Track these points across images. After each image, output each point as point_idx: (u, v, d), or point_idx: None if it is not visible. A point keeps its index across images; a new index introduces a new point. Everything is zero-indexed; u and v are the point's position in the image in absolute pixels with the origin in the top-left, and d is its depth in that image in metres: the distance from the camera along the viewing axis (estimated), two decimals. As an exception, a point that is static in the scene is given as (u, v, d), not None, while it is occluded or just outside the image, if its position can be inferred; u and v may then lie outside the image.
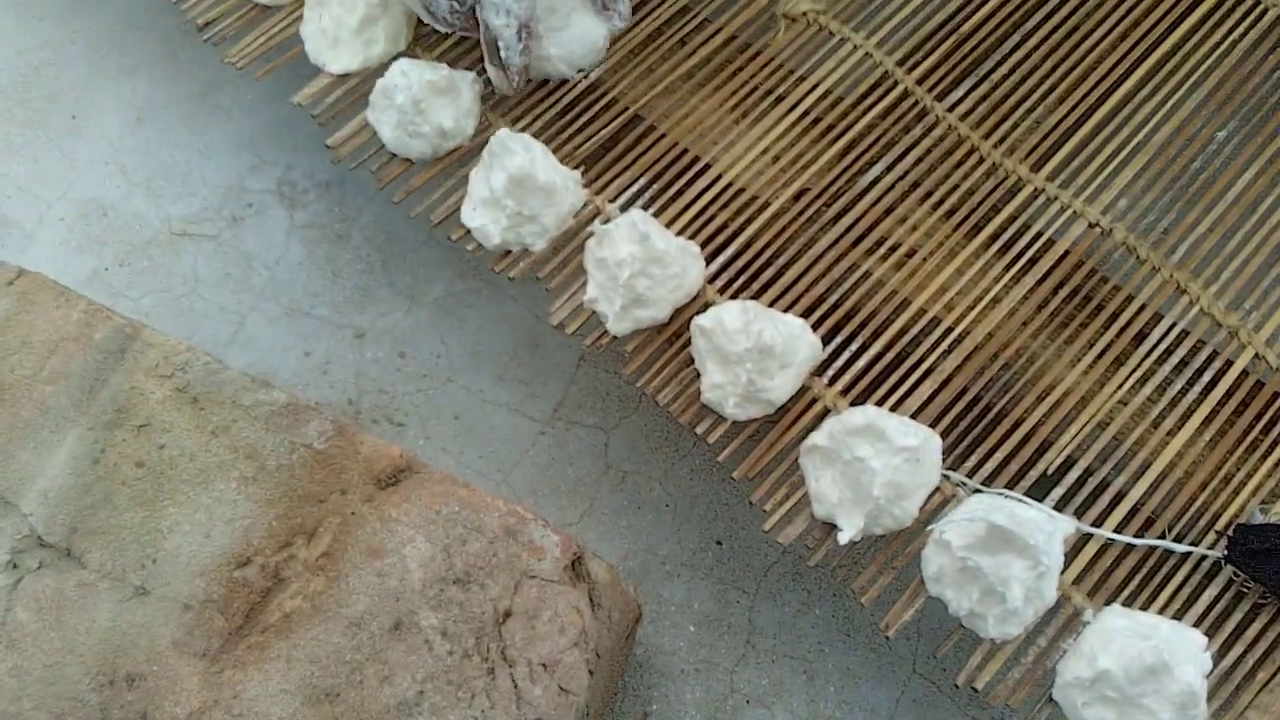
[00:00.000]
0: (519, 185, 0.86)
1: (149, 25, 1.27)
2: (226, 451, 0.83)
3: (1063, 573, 0.77)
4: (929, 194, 0.93)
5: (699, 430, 0.85)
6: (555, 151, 0.93)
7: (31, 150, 1.20)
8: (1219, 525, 0.80)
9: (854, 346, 0.87)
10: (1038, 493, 0.81)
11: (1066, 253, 0.90)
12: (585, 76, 0.97)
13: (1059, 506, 0.80)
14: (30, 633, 0.77)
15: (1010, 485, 0.81)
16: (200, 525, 0.80)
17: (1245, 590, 0.78)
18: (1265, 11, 1.00)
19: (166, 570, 0.79)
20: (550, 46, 0.93)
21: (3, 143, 1.21)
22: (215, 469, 0.83)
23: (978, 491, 0.80)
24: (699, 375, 0.85)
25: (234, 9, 1.02)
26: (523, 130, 0.94)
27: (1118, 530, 0.80)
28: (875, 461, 0.76)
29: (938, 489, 0.80)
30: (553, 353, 1.08)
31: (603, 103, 0.96)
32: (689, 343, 0.86)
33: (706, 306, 0.87)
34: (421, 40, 0.99)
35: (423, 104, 0.89)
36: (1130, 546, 0.80)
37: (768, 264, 0.90)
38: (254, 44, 1.00)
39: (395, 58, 0.97)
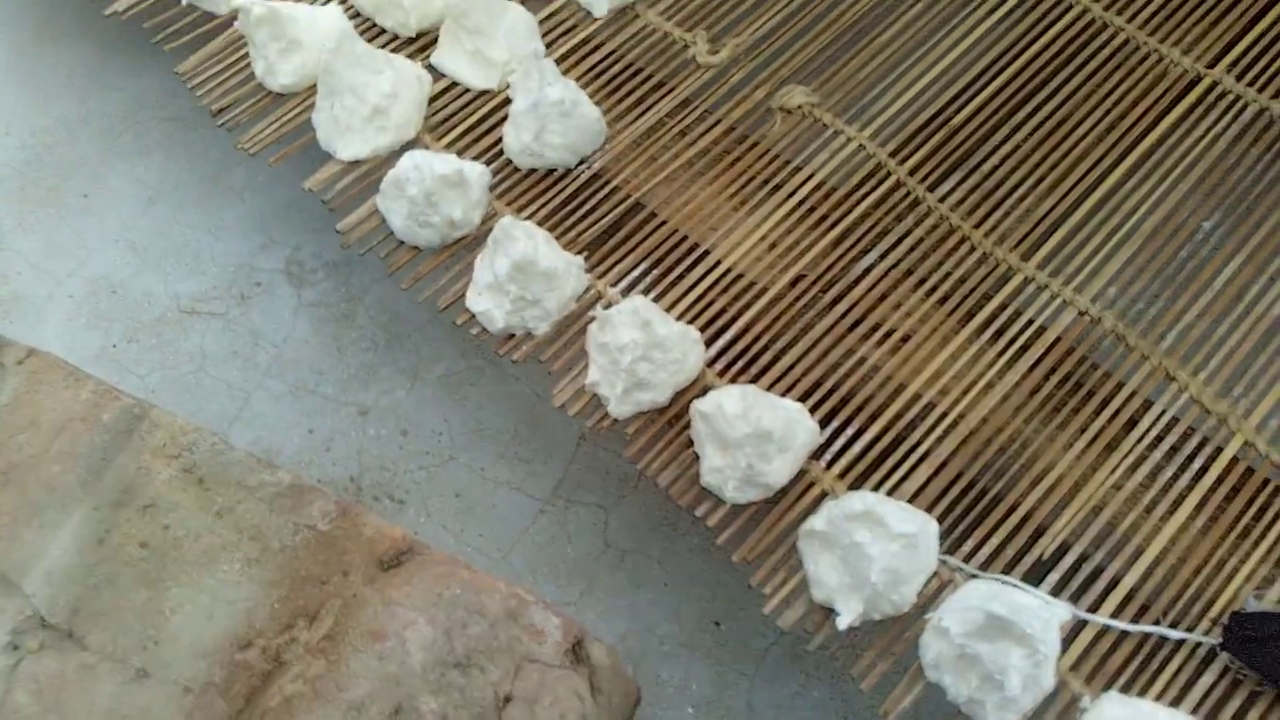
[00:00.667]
0: (522, 271, 0.88)
1: (163, 107, 1.31)
2: (231, 532, 0.84)
3: (1060, 659, 0.77)
4: (922, 281, 0.95)
5: (699, 513, 0.86)
6: (558, 238, 0.95)
7: (44, 228, 1.23)
8: (1214, 612, 0.81)
9: (850, 430, 0.88)
10: (1034, 577, 0.82)
11: (1057, 339, 0.91)
12: (588, 166, 1.00)
13: (1055, 592, 0.81)
14: (29, 716, 0.77)
15: (1007, 570, 0.82)
16: (203, 607, 0.81)
17: (1242, 678, 0.79)
18: (1245, 106, 1.03)
19: (168, 652, 0.79)
20: (554, 136, 0.96)
21: (16, 220, 1.23)
22: (219, 550, 0.83)
23: (975, 577, 0.81)
24: (698, 458, 0.87)
25: (247, 96, 1.05)
26: (527, 218, 0.97)
27: (1113, 616, 0.81)
28: (873, 548, 0.77)
29: (935, 574, 0.81)
30: (554, 431, 1.09)
31: (605, 190, 0.99)
32: (689, 425, 0.88)
33: (706, 390, 0.89)
34: (431, 130, 1.02)
35: (434, 196, 0.91)
36: (1126, 633, 0.80)
37: (765, 348, 0.92)
38: (266, 130, 1.03)
39: (404, 146, 1.00)
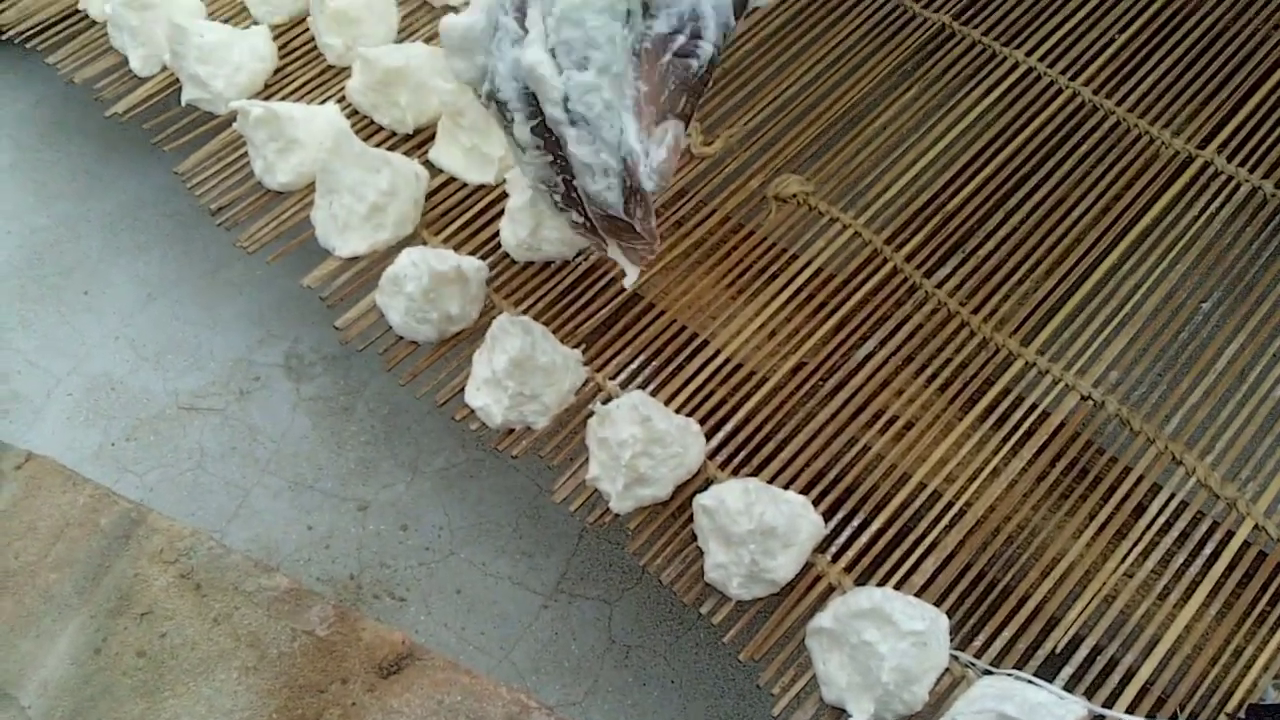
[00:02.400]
0: (520, 367, 0.88)
1: (162, 205, 1.32)
2: (228, 640, 0.83)
3: (1077, 757, 0.75)
4: (923, 368, 0.95)
5: (703, 610, 0.84)
6: (556, 331, 0.95)
7: (43, 325, 1.23)
8: (1231, 705, 0.79)
9: (855, 522, 0.87)
10: (1047, 671, 0.80)
11: (1061, 425, 0.91)
12: (585, 258, 1.00)
13: (1069, 686, 0.79)
14: (21, 838, 0.75)
15: (1019, 665, 0.80)
16: (200, 718, 0.79)
17: (1264, 772, 0.77)
18: (1238, 186, 1.04)
19: (163, 767, 0.77)
20: (551, 231, 0.97)
21: (16, 318, 1.24)
22: (216, 658, 0.82)
23: (987, 673, 0.79)
24: (702, 553, 0.85)
25: (246, 195, 1.06)
26: (524, 311, 0.97)
27: (1130, 710, 0.79)
28: (883, 646, 0.75)
29: (947, 670, 0.79)
30: (555, 524, 1.08)
31: (602, 282, 0.99)
32: (691, 519, 0.87)
33: (708, 483, 0.88)
34: (428, 225, 1.03)
35: (431, 293, 0.91)
36: (1143, 727, 0.78)
37: (767, 439, 0.91)
38: (265, 228, 1.03)
39: (402, 242, 1.01)
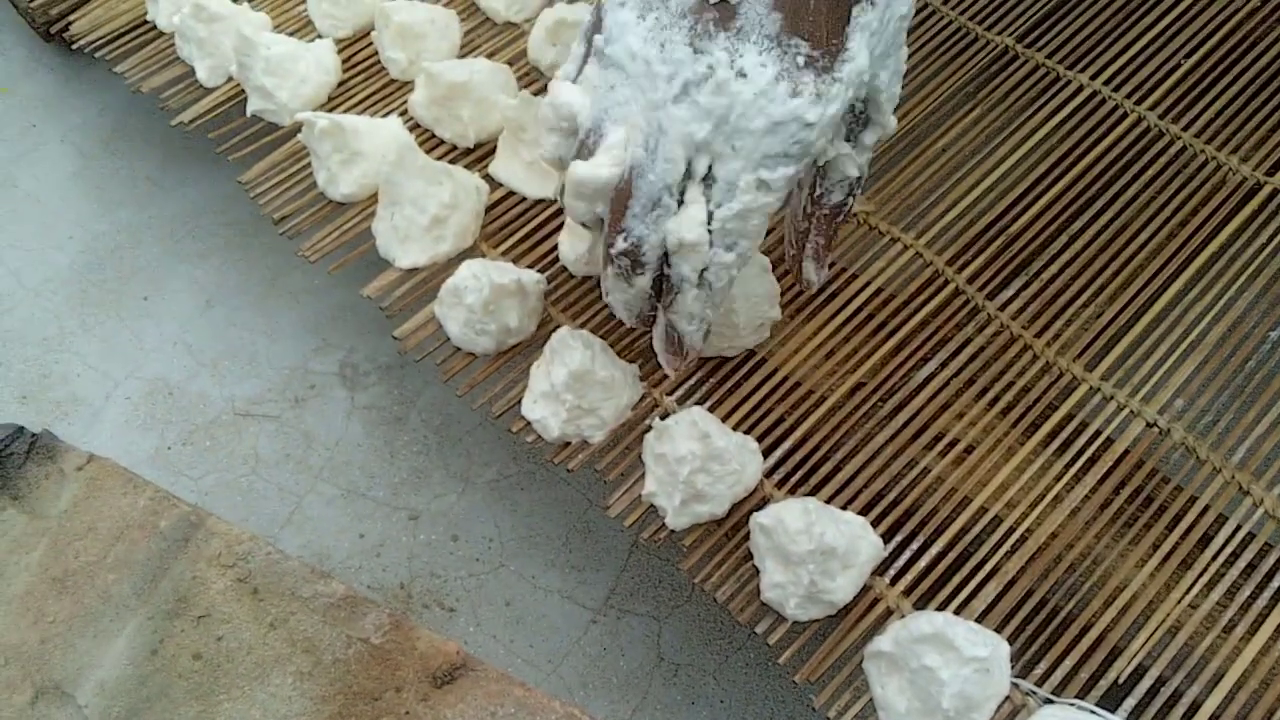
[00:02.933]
0: (579, 380, 0.88)
1: (223, 213, 1.34)
2: (284, 645, 0.83)
3: (1141, 792, 0.74)
4: (984, 390, 0.94)
5: (759, 630, 0.83)
6: (613, 345, 0.95)
7: (103, 330, 1.25)
8: (1303, 742, 0.77)
9: (915, 545, 0.86)
10: (1110, 702, 0.78)
11: (1126, 452, 0.89)
12: (644, 273, 1.00)
13: (1132, 718, 0.78)
14: (78, 836, 0.75)
15: (1081, 694, 0.79)
16: (254, 722, 0.79)
17: (1336, 814, 0.75)
18: (1309, 213, 1.02)
19: (218, 770, 0.78)
20: (612, 246, 0.97)
21: (77, 322, 1.26)
22: (272, 663, 0.82)
23: (1049, 701, 0.78)
24: (758, 572, 0.85)
25: (308, 205, 1.07)
26: (582, 325, 0.97)
27: (1196, 745, 0.77)
28: (944, 672, 0.74)
29: (1007, 698, 0.78)
30: (606, 538, 1.08)
31: (661, 298, 0.99)
32: (747, 537, 0.86)
33: (765, 501, 0.88)
34: (488, 238, 1.03)
35: (491, 305, 0.92)
36: (1210, 763, 0.77)
37: (825, 458, 0.91)
38: (326, 239, 1.05)
39: (462, 254, 1.01)
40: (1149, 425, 0.91)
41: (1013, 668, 0.79)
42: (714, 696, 0.99)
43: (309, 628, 0.84)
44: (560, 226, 1.02)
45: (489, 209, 1.05)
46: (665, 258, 0.72)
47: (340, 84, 1.16)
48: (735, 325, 0.92)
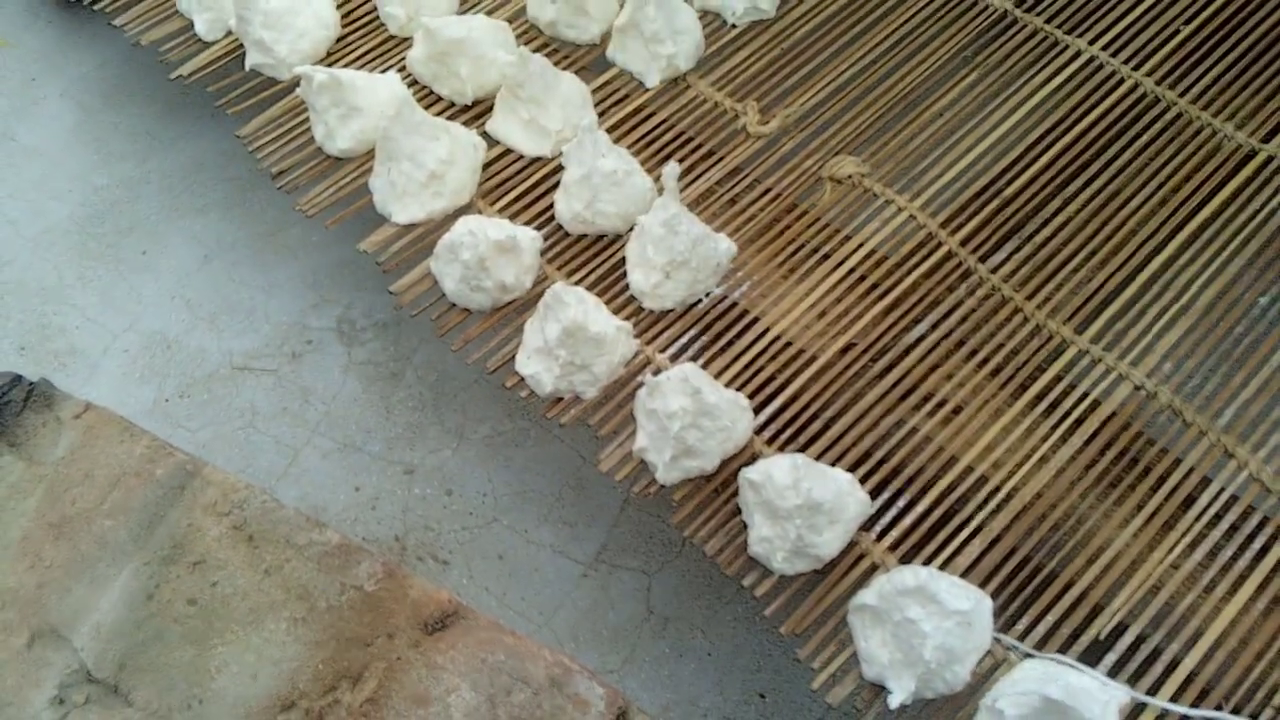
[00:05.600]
0: (572, 336, 0.89)
1: (222, 168, 1.34)
2: (278, 591, 0.84)
3: (1118, 744, 0.75)
4: (974, 352, 0.94)
5: (746, 583, 0.85)
6: (608, 303, 0.96)
7: (102, 283, 1.26)
8: (1278, 698, 0.79)
9: (902, 502, 0.87)
10: (1090, 658, 0.80)
11: (1113, 414, 0.90)
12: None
13: (1112, 673, 0.79)
14: (75, 772, 0.77)
15: (1063, 650, 0.80)
16: (248, 666, 0.81)
17: (1308, 769, 0.76)
18: (1304, 180, 1.02)
19: (212, 712, 0.79)
20: (606, 205, 0.97)
21: (75, 274, 1.26)
22: (266, 609, 0.83)
23: (1030, 656, 0.79)
24: (746, 527, 0.86)
25: (305, 160, 1.07)
26: (577, 282, 0.98)
27: (1173, 700, 0.79)
28: (927, 624, 0.75)
29: (989, 652, 0.79)
30: (598, 494, 1.09)
31: (656, 256, 0.99)
32: (736, 493, 0.87)
33: (754, 458, 0.89)
34: (484, 195, 1.03)
35: (487, 261, 0.92)
36: (1187, 717, 0.78)
37: (815, 417, 0.92)
38: (324, 193, 1.05)
39: (458, 211, 1.02)
40: (1136, 388, 0.92)
41: (995, 623, 0.80)
42: (702, 649, 1.00)
43: (303, 575, 0.85)
44: (557, 185, 1.03)
45: (486, 166, 1.05)
46: None
47: (339, 39, 1.16)
48: None
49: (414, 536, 1.07)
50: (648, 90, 1.11)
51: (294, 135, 1.09)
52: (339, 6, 1.17)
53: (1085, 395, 0.91)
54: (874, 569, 0.84)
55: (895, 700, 0.76)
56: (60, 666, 0.81)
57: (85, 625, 0.83)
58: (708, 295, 0.97)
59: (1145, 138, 1.06)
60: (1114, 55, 1.12)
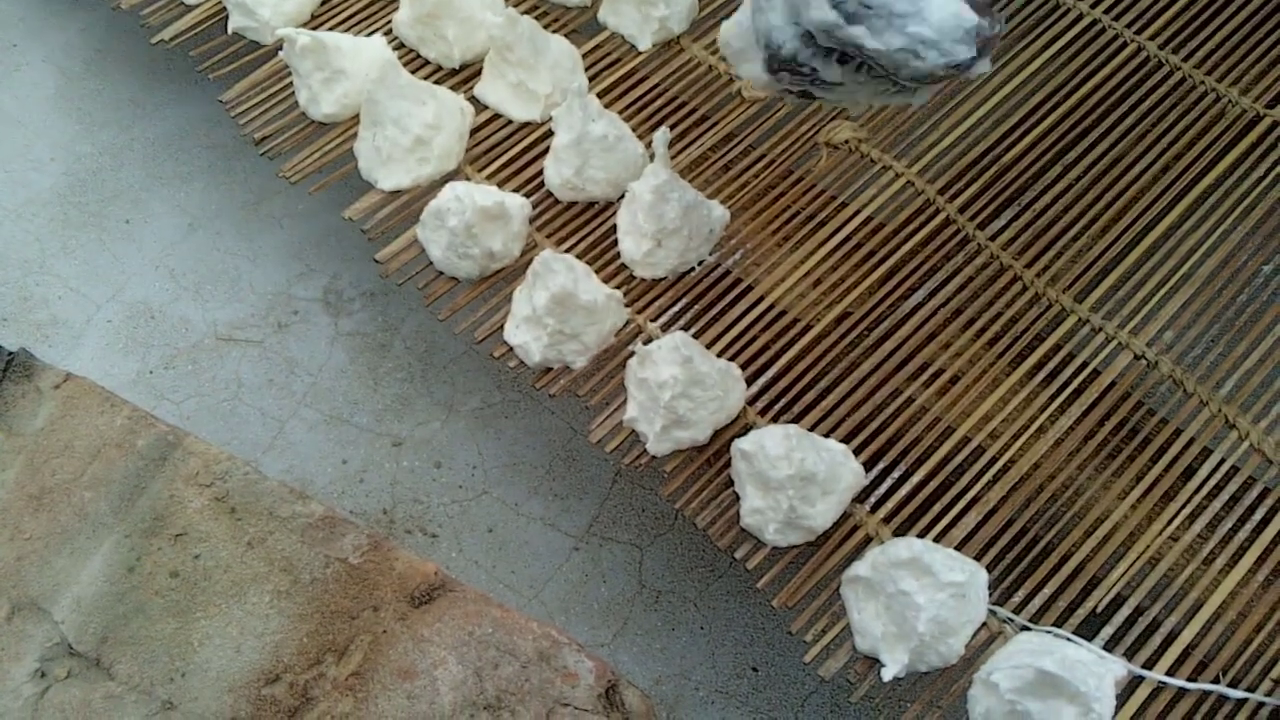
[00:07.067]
0: (561, 305, 0.87)
1: (205, 135, 1.31)
2: (262, 564, 0.83)
3: (1114, 717, 0.74)
4: (971, 321, 0.93)
5: (738, 555, 0.83)
6: (598, 271, 0.94)
7: (85, 252, 1.23)
8: (1277, 672, 0.77)
9: (896, 474, 0.86)
10: (1087, 631, 0.78)
11: (1112, 384, 0.89)
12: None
13: (1109, 646, 0.78)
14: (54, 747, 0.75)
15: (1059, 622, 0.79)
16: (231, 639, 0.79)
17: (1306, 742, 0.75)
18: (1308, 148, 1.00)
19: (195, 684, 0.78)
20: (596, 171, 0.95)
21: (58, 243, 1.24)
22: (249, 581, 0.82)
23: (1026, 629, 0.78)
24: (738, 498, 0.84)
25: (289, 125, 1.05)
26: (567, 250, 0.96)
27: (1170, 673, 0.77)
28: (921, 596, 0.74)
29: (984, 625, 0.78)
30: (589, 467, 1.08)
31: (647, 223, 0.97)
32: (729, 464, 0.86)
33: (747, 429, 0.87)
34: (472, 161, 1.01)
35: (474, 228, 0.90)
36: (1184, 691, 0.77)
37: (809, 387, 0.90)
38: (308, 160, 1.03)
39: (445, 177, 1.00)
40: (1137, 357, 0.90)
41: (991, 595, 0.79)
42: (694, 622, 0.99)
43: (287, 547, 0.83)
44: (546, 150, 1.00)
45: (474, 131, 1.03)
46: None
47: (324, 1, 1.13)
48: None
49: (402, 509, 1.06)
50: (640, 53, 1.08)
51: (277, 100, 1.07)
52: (324, -32, 1.15)
53: (1085, 365, 0.90)
54: (868, 541, 0.83)
55: (889, 673, 0.75)
56: (41, 640, 0.80)
57: (66, 598, 0.81)
58: (700, 263, 0.95)
59: (1148, 103, 1.04)
60: (1116, 18, 1.09)
